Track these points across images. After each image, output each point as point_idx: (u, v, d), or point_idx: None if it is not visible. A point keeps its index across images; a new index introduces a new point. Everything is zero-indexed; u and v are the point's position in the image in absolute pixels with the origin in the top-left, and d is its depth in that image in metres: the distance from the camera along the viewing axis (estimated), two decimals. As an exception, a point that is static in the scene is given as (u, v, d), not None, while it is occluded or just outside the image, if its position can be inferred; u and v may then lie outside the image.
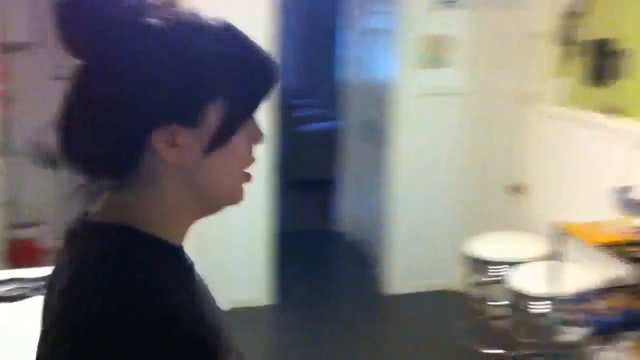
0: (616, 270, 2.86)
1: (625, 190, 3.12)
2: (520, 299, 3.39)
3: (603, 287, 3.12)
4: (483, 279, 3.80)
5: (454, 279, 4.64)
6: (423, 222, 4.87)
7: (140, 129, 0.93)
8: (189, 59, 0.94)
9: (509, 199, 4.37)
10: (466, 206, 4.87)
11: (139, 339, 0.83)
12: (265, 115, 4.00)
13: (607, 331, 2.92)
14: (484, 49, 4.66)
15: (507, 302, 3.63)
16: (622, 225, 3.05)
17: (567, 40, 3.74)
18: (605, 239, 2.95)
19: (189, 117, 0.95)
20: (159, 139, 0.94)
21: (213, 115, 0.96)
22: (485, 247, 3.83)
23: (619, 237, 2.95)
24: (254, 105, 1.01)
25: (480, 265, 3.76)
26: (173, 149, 0.94)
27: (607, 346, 2.89)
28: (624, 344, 2.86)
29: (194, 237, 1.09)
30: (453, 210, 4.95)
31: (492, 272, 3.71)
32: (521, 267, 3.56)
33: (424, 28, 4.61)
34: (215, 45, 0.96)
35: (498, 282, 3.67)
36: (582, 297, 3.01)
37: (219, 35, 0.97)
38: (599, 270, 3.24)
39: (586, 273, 3.35)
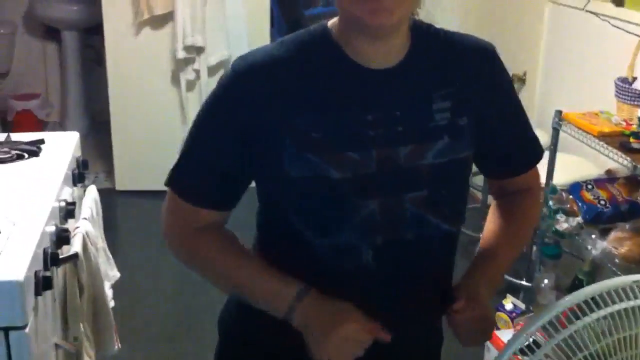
0: (614, 160, 2.83)
1: (628, 80, 3.06)
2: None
3: (599, 177, 3.12)
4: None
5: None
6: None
7: None
8: None
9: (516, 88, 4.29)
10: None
11: None
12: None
13: (599, 221, 2.93)
14: None
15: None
16: (623, 116, 3.01)
17: None
18: (604, 128, 2.91)
19: None
20: None
21: None
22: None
23: (618, 128, 2.92)
24: None
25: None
26: None
27: (599, 236, 2.89)
28: (616, 234, 2.86)
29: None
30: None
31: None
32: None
33: None
34: None
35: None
36: (577, 187, 3.00)
37: None
38: (596, 160, 3.22)
39: (584, 163, 3.34)
